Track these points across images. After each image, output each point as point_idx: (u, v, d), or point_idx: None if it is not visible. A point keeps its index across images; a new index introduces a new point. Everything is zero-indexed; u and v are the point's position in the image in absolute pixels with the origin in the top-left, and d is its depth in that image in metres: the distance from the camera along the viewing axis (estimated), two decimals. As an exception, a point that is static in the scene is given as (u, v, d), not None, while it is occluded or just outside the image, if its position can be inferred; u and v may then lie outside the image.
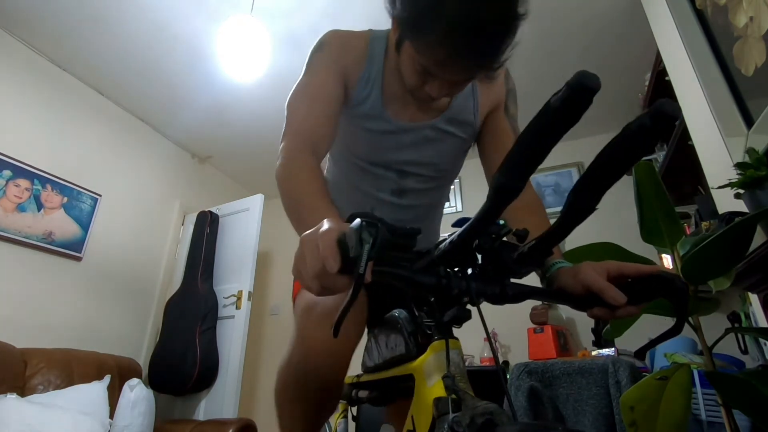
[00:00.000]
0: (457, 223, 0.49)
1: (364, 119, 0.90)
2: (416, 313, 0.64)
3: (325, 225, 0.45)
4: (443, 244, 0.50)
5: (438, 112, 0.91)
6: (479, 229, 0.47)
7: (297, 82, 0.87)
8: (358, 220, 0.41)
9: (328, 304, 0.78)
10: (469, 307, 0.52)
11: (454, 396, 0.45)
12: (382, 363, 0.78)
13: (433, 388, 0.51)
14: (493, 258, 0.51)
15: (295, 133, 0.77)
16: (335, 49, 0.87)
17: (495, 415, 0.40)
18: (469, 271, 0.52)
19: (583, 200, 0.43)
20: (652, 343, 0.56)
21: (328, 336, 0.72)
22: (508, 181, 0.41)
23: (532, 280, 0.60)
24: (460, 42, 0.63)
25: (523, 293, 0.54)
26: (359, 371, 0.98)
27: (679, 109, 0.35)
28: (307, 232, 0.46)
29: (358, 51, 0.88)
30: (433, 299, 0.53)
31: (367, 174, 0.98)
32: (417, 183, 0.99)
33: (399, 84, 0.85)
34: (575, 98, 0.34)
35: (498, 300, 0.52)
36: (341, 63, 0.86)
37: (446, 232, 0.50)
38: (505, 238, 0.51)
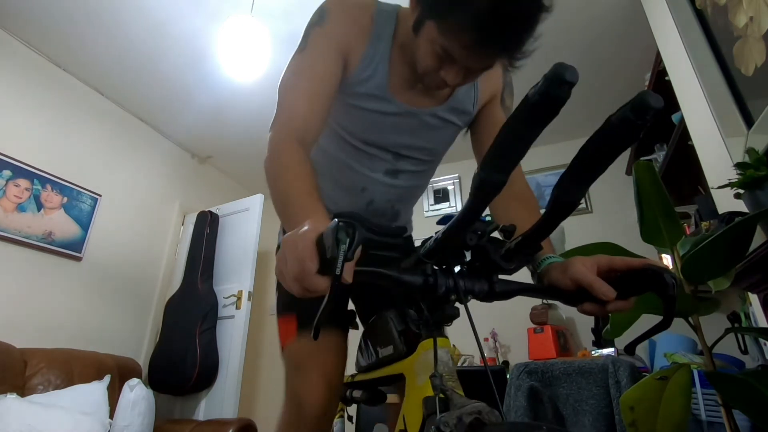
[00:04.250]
0: (443, 221, 0.49)
1: (365, 99, 0.86)
2: (406, 312, 0.64)
3: (306, 226, 0.44)
4: (429, 242, 0.50)
5: (440, 99, 0.90)
6: (464, 225, 0.46)
7: (291, 58, 0.81)
8: (335, 221, 0.40)
9: (321, 358, 0.85)
10: (457, 305, 0.52)
11: (441, 395, 0.45)
12: (374, 362, 0.79)
13: (423, 387, 0.51)
14: (480, 255, 0.51)
15: (285, 123, 0.74)
16: (337, 22, 0.81)
17: (483, 415, 0.40)
18: (457, 268, 0.52)
19: (567, 194, 0.43)
20: (642, 338, 0.56)
21: (323, 398, 0.82)
22: (490, 176, 0.40)
23: (524, 276, 0.59)
24: (490, 28, 0.62)
25: (512, 290, 0.54)
26: (354, 371, 0.98)
27: (661, 101, 0.34)
28: (288, 233, 0.46)
29: (362, 25, 0.83)
30: (420, 298, 0.53)
31: (360, 153, 0.95)
32: (411, 165, 0.98)
33: (406, 66, 0.82)
34: (553, 91, 0.33)
35: (486, 297, 0.52)
36: (343, 38, 0.81)
37: (434, 231, 0.50)
38: (494, 234, 0.51)
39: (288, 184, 0.64)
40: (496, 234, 0.52)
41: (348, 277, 0.40)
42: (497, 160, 0.40)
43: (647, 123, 0.35)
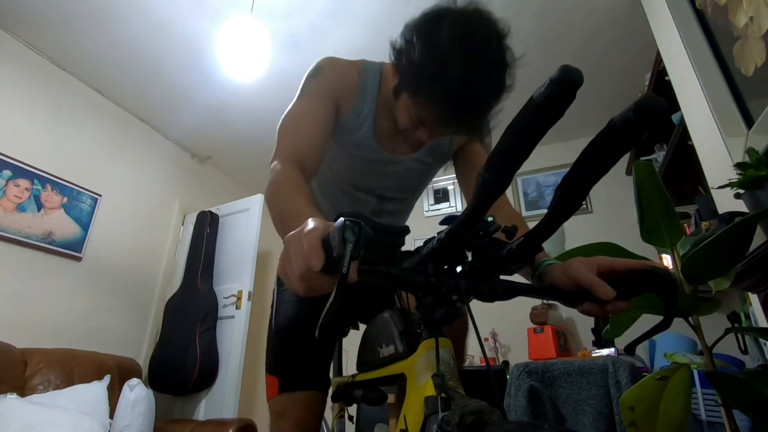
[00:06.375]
0: (445, 221, 0.49)
1: (355, 147, 0.96)
2: (407, 312, 0.64)
3: (310, 224, 0.44)
4: (432, 242, 0.50)
5: (419, 145, 0.97)
6: (467, 226, 0.46)
7: (290, 105, 0.89)
8: (341, 219, 0.40)
9: (297, 413, 0.94)
10: (459, 305, 0.52)
11: (443, 395, 0.45)
12: (375, 362, 0.79)
13: (424, 387, 0.51)
14: (482, 255, 0.51)
15: (284, 156, 0.79)
16: (331, 77, 0.91)
17: (485, 414, 0.40)
18: (459, 268, 0.52)
19: (570, 195, 0.43)
20: (642, 338, 0.56)
21: None
22: (494, 177, 0.41)
23: (522, 277, 0.59)
24: (457, 107, 0.70)
25: (513, 290, 0.54)
26: (354, 371, 0.98)
27: (664, 103, 0.34)
28: (291, 233, 0.45)
29: (352, 81, 0.93)
30: (422, 298, 0.53)
31: (348, 196, 1.06)
32: (393, 205, 1.10)
33: (389, 119, 0.92)
34: (558, 93, 0.34)
35: (488, 297, 0.52)
36: (336, 92, 0.90)
37: (436, 231, 0.50)
38: (494, 236, 0.51)
39: (287, 199, 0.67)
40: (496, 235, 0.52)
41: (353, 275, 0.40)
42: (501, 161, 0.40)
43: (650, 125, 0.35)
